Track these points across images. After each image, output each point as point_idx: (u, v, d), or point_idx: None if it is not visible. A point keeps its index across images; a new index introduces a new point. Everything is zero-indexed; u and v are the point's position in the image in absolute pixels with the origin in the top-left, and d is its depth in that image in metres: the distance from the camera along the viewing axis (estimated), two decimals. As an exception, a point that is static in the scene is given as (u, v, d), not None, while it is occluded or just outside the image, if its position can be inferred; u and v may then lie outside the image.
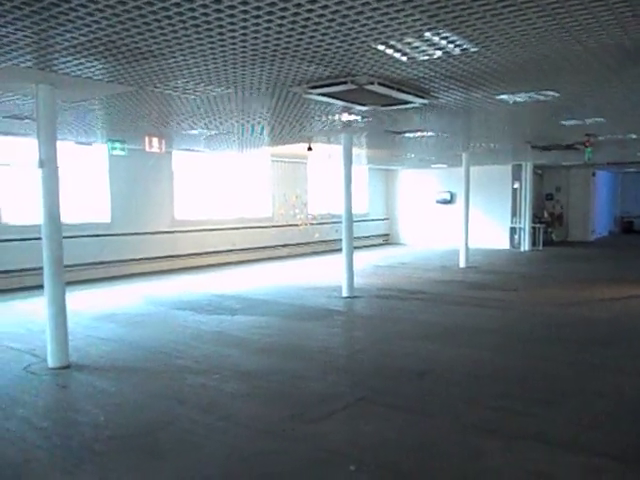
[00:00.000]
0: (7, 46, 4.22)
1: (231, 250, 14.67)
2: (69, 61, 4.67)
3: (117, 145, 10.11)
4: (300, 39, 4.15)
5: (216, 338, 6.76)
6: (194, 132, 9.51)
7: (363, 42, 4.27)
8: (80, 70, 4.99)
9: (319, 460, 3.64)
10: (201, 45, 4.25)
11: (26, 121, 7.94)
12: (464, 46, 4.40)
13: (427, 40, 4.25)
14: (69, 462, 3.64)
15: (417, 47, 4.44)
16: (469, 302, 8.99)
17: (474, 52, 4.59)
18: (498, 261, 14.82)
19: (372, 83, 5.60)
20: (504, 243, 18.20)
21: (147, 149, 9.45)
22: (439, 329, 7.20)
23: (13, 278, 10.22)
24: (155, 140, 9.30)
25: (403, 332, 7.05)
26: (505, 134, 10.48)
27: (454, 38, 4.18)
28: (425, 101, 6.55)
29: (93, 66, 4.83)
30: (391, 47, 4.44)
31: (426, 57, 4.75)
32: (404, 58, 4.78)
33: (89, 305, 8.63)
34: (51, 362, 5.59)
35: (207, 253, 14.07)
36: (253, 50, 4.42)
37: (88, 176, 11.68)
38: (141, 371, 5.52)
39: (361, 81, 5.55)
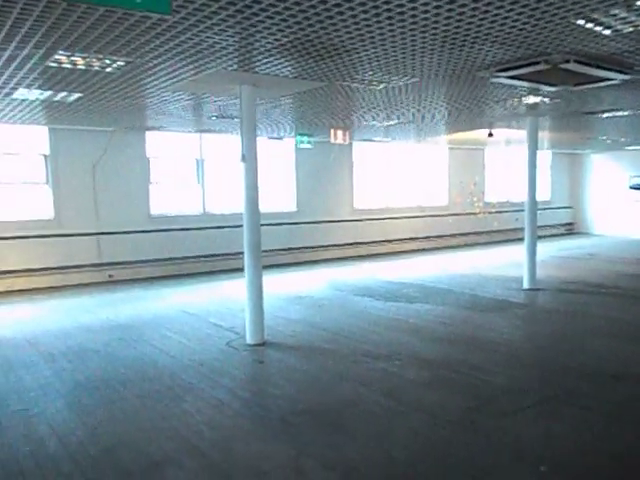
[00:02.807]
0: (218, 52, 4.69)
1: (409, 238, 14.73)
2: (270, 62, 5.04)
3: (305, 138, 10.71)
4: (493, 21, 4.02)
5: (395, 325, 6.86)
6: (375, 123, 9.70)
7: (562, 18, 4.01)
8: (278, 69, 5.36)
9: (506, 456, 3.54)
10: (392, 36, 4.32)
11: (214, 118, 8.75)
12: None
13: (637, 9, 3.85)
14: (268, 431, 3.97)
15: (624, 18, 4.05)
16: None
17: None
18: None
19: (568, 61, 5.23)
20: None
21: (332, 141, 9.87)
22: (635, 329, 6.54)
23: (216, 262, 11.41)
24: (340, 132, 9.67)
25: (593, 329, 6.52)
26: None
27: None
28: (627, 77, 5.97)
29: (290, 65, 5.16)
30: (593, 21, 4.10)
31: (632, 28, 4.31)
32: (607, 32, 4.38)
33: (278, 288, 9.26)
34: (249, 339, 6.12)
35: (386, 241, 14.30)
36: (443, 36, 4.38)
37: (277, 168, 12.52)
38: (327, 352, 5.81)
39: (555, 60, 5.21)
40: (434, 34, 4.31)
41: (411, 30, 4.18)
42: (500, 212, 16.56)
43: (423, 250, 14.74)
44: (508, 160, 16.74)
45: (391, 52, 4.84)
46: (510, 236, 15.77)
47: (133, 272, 10.56)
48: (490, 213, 16.38)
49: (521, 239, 9.40)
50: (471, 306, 7.85)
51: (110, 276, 10.34)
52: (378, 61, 5.16)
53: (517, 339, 6.31)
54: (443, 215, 15.55)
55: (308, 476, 3.33)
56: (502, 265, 11.80)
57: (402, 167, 14.81)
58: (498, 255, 13.64)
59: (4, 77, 5.54)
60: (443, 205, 15.69)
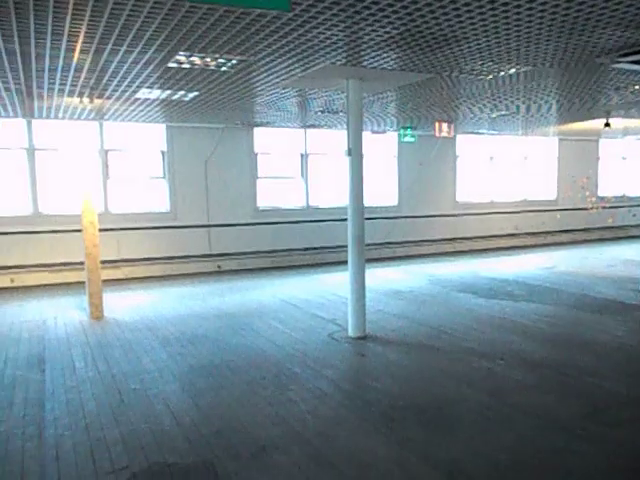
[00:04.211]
0: (328, 47, 4.75)
1: (512, 234, 14.19)
2: (378, 55, 5.03)
3: (408, 132, 10.61)
4: (619, 2, 3.76)
5: (499, 323, 6.64)
6: (480, 115, 9.42)
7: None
8: (386, 62, 5.34)
9: (622, 470, 3.32)
10: (506, 24, 4.16)
11: (319, 114, 8.86)
12: None
13: None
14: (370, 424, 3.98)
15: None
16: None
17: None
18: None
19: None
20: None
21: (437, 135, 9.70)
22: None
23: (317, 255, 11.64)
24: (444, 125, 9.48)
25: None
26: None
27: None
28: None
29: (398, 57, 5.13)
30: None
31: None
32: None
33: (378, 282, 9.26)
34: (351, 332, 6.18)
35: (488, 236, 13.87)
36: (562, 22, 4.16)
37: (379, 162, 12.51)
38: (428, 348, 5.74)
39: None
40: (552, 20, 4.10)
41: (528, 17, 4.01)
42: (615, 207, 15.50)
43: (529, 247, 14.11)
44: (625, 151, 15.61)
45: (504, 41, 4.66)
46: (627, 233, 14.73)
47: (239, 263, 11.00)
48: (604, 208, 15.38)
49: (639, 236, 8.73)
50: (581, 306, 7.43)
51: (219, 267, 10.84)
52: (489, 51, 4.99)
53: (633, 344, 5.88)
54: (550, 210, 14.81)
55: (411, 472, 3.31)
56: (616, 263, 11.04)
57: (507, 159, 14.28)
58: (612, 253, 12.75)
59: (129, 78, 5.96)
60: (551, 199, 14.94)
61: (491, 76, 6.17)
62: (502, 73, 6.04)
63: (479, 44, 4.74)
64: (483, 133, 12.83)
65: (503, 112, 9.20)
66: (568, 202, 15.05)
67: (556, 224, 14.85)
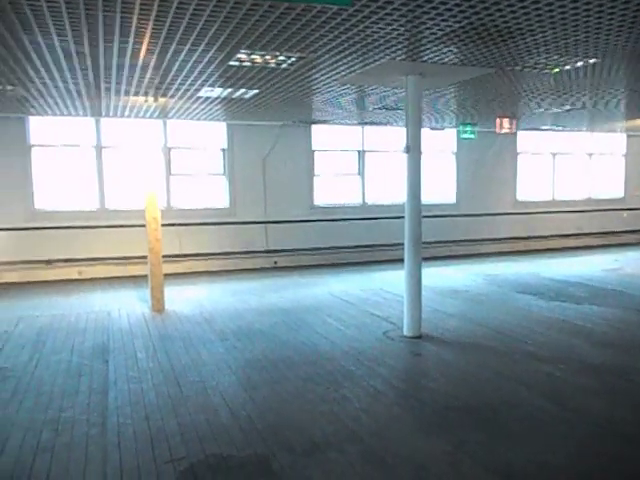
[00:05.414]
0: (388, 42, 4.70)
1: (575, 234, 13.68)
2: (438, 49, 4.94)
3: (468, 128, 10.40)
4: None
5: (560, 326, 6.42)
6: (542, 110, 9.12)
7: None
8: (447, 57, 5.24)
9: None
10: (574, 15, 4.00)
11: (377, 110, 8.79)
12: None
13: None
14: (424, 424, 3.93)
15: None
16: None
17: None
18: None
19: None
20: None
21: (497, 131, 9.45)
22: None
23: (372, 252, 11.60)
24: (506, 121, 9.22)
25: None
26: None
27: None
28: None
29: (459, 52, 5.02)
30: None
31: None
32: None
33: (434, 281, 9.11)
34: (406, 331, 6.10)
35: (550, 236, 13.42)
36: (635, 12, 3.95)
37: (437, 159, 12.32)
38: (485, 349, 5.61)
39: None
40: (624, 9, 3.91)
41: (598, 7, 3.83)
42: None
43: (591, 247, 13.55)
44: None
45: (572, 32, 4.48)
46: None
47: (295, 259, 11.08)
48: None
49: None
50: (651, 311, 7.10)
51: (275, 262, 10.96)
52: (556, 43, 4.81)
53: None
54: (616, 209, 14.18)
55: (465, 475, 3.24)
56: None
57: (571, 156, 13.77)
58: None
59: (192, 77, 6.09)
60: (617, 198, 14.30)
61: (556, 70, 5.96)
62: (568, 66, 5.82)
63: (545, 36, 4.57)
64: (546, 129, 12.42)
65: (568, 107, 8.87)
66: (637, 201, 14.37)
67: (623, 224, 14.20)
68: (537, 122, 10.90)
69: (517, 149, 13.12)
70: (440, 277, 9.68)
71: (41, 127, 9.58)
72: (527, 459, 3.41)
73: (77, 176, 9.90)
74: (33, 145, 9.55)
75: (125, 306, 7.66)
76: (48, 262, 9.61)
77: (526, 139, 13.15)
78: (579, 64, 5.72)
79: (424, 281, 6.24)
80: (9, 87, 6.59)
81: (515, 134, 12.57)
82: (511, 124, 9.38)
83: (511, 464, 3.35)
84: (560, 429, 3.81)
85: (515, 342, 5.83)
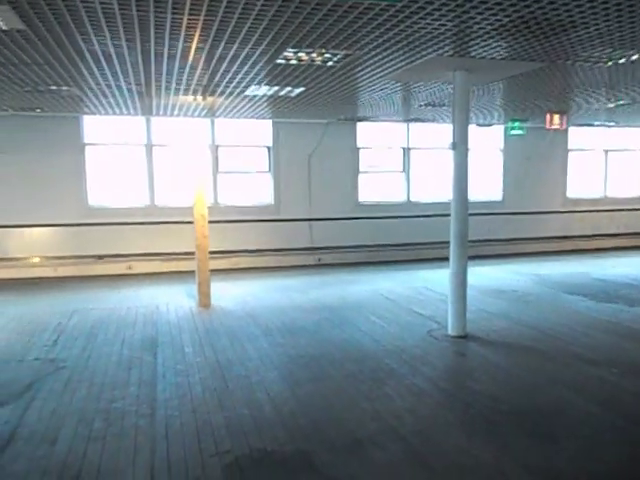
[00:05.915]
0: (435, 38, 4.65)
1: (628, 233, 13.19)
2: (487, 44, 4.84)
3: (517, 124, 10.16)
4: None
5: (612, 329, 6.22)
6: (596, 105, 8.83)
7: None
8: (496, 52, 5.13)
9: None
10: (630, 6, 3.85)
11: (422, 107, 8.68)
12: None
13: None
14: (468, 426, 3.88)
15: None
16: None
17: None
18: None
19: None
20: None
21: (547, 127, 9.18)
22: None
23: (417, 250, 11.50)
24: (556, 117, 8.96)
25: None
26: None
27: None
28: None
29: (509, 46, 4.91)
30: None
31: None
32: None
33: (480, 280, 8.96)
34: (451, 330, 6.03)
35: (601, 235, 13.00)
36: (697, 3, 3.79)
37: (483, 155, 12.09)
38: (532, 351, 5.50)
39: None
40: (685, 0, 3.75)
41: (658, -3, 3.69)
42: None
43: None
44: None
45: (627, 25, 4.31)
46: None
47: (339, 257, 11.08)
48: None
49: None
50: None
51: (319, 260, 10.99)
52: (610, 36, 4.64)
53: None
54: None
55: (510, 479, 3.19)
56: None
57: (624, 153, 13.28)
58: None
59: (239, 76, 6.17)
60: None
61: (610, 63, 5.76)
62: (623, 60, 5.62)
63: (598, 29, 4.42)
64: (598, 125, 12.01)
65: (622, 102, 8.57)
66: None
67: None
68: (589, 117, 10.55)
69: (568, 145, 12.73)
70: (485, 276, 9.51)
71: (95, 126, 9.89)
72: (575, 466, 3.33)
73: (128, 173, 10.18)
74: (87, 143, 9.86)
75: (173, 301, 7.84)
76: (100, 257, 9.92)
77: (578, 135, 12.76)
78: (634, 57, 5.51)
79: (469, 280, 6.15)
80: (65, 87, 6.84)
81: (566, 130, 12.22)
82: (561, 120, 9.10)
83: (558, 470, 3.27)
84: (611, 436, 3.70)
85: (563, 344, 5.68)
